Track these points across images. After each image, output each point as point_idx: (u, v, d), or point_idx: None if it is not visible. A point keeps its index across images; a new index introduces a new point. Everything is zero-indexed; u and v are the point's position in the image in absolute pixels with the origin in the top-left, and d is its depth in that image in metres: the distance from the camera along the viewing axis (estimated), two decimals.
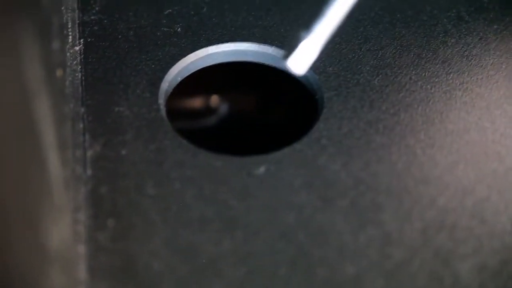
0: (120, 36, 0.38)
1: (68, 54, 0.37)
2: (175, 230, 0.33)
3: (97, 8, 0.39)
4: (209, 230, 0.33)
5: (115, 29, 0.39)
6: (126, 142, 0.35)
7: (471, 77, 0.38)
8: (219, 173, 0.35)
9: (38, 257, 0.32)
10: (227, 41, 0.39)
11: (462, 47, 0.39)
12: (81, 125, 0.35)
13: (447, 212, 0.34)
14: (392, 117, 0.36)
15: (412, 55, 0.38)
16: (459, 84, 0.38)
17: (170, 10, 0.39)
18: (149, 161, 0.35)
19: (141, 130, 0.35)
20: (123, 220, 0.33)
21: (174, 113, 0.39)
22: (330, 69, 0.38)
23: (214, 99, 0.44)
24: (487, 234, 0.34)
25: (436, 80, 0.38)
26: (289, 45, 0.34)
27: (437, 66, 0.38)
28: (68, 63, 0.37)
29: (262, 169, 0.35)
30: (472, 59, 0.38)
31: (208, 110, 0.44)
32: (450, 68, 0.38)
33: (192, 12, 0.40)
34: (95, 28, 0.38)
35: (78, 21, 0.38)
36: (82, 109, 0.36)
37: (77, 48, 0.38)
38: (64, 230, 0.33)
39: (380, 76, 0.38)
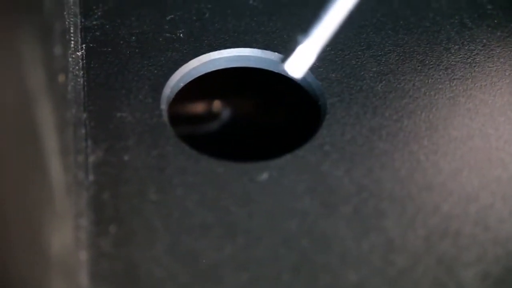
0: (122, 42, 0.38)
1: (70, 59, 0.37)
2: (177, 236, 0.33)
3: (99, 14, 0.39)
4: (211, 236, 0.33)
5: (117, 34, 0.38)
6: (128, 148, 0.35)
7: (474, 84, 0.38)
8: (221, 179, 0.34)
9: (40, 263, 0.32)
10: (229, 47, 0.39)
11: (466, 53, 0.39)
12: (83, 131, 0.35)
13: (450, 219, 0.34)
14: (395, 124, 0.36)
15: (415, 61, 0.38)
16: (463, 91, 0.38)
17: (173, 16, 0.39)
18: (151, 167, 0.34)
19: (143, 135, 0.35)
20: (125, 226, 0.33)
21: (176, 118, 0.39)
22: (333, 75, 0.38)
23: (217, 105, 0.44)
24: (491, 241, 0.33)
25: (440, 86, 0.38)
26: (286, 49, 0.34)
27: (440, 73, 0.38)
28: (70, 69, 0.37)
29: (264, 175, 0.35)
30: (475, 65, 0.38)
31: (210, 116, 0.44)
32: (453, 75, 0.38)
33: (195, 18, 0.39)
34: (97, 33, 0.38)
35: (80, 27, 0.38)
36: (84, 115, 0.36)
37: (79, 53, 0.38)
38: (66, 236, 0.32)
39: (383, 82, 0.38)
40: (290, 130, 0.44)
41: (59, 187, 0.35)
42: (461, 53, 0.39)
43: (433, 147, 0.36)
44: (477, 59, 0.39)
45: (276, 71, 0.38)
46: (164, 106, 0.36)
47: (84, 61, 0.37)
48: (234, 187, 0.34)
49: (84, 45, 0.38)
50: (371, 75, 0.38)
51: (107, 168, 0.34)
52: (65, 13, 0.38)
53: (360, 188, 0.34)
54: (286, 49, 0.38)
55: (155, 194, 0.34)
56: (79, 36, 0.38)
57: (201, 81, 0.38)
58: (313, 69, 0.38)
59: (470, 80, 0.38)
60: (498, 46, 0.39)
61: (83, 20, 0.39)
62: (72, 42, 0.38)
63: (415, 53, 0.39)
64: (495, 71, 0.38)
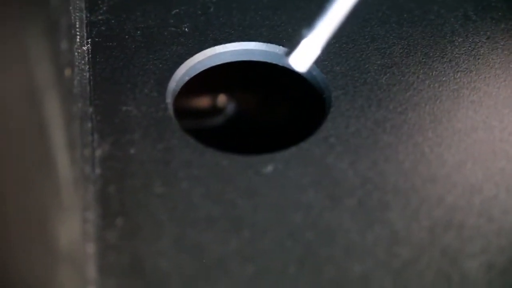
0: (127, 36, 0.38)
1: (76, 54, 0.37)
2: (183, 229, 0.33)
3: (104, 8, 0.39)
4: (216, 229, 0.33)
5: (122, 29, 0.39)
6: (134, 142, 0.35)
7: (478, 76, 0.38)
8: (227, 172, 0.35)
9: (48, 255, 0.33)
10: (234, 41, 0.39)
11: (470, 46, 0.39)
12: (90, 125, 0.35)
13: (454, 211, 0.34)
14: (399, 116, 0.36)
15: (419, 54, 0.38)
16: (467, 83, 0.38)
17: (178, 10, 0.40)
18: (157, 161, 0.35)
19: (149, 129, 0.36)
20: (131, 219, 0.33)
21: (182, 112, 0.39)
22: (338, 68, 0.38)
23: (222, 98, 0.45)
24: (495, 232, 0.34)
25: (444, 79, 0.38)
26: (291, 43, 0.34)
27: (444, 65, 0.38)
28: (76, 63, 0.37)
29: (269, 168, 0.35)
30: (479, 58, 0.39)
31: (215, 109, 0.44)
32: (457, 67, 0.38)
33: (199, 12, 0.40)
34: (103, 28, 0.39)
35: (85, 21, 0.39)
36: (90, 109, 0.36)
37: (85, 48, 0.38)
38: (73, 229, 0.33)
39: (388, 75, 0.38)
40: (295, 123, 0.44)
41: (67, 180, 0.35)
42: (465, 45, 0.39)
43: (437, 139, 0.36)
44: (481, 51, 0.39)
45: (280, 65, 0.39)
46: (169, 100, 0.37)
47: (90, 55, 0.38)
48: (239, 180, 0.34)
49: (89, 40, 0.38)
50: (375, 68, 0.38)
51: (113, 162, 0.35)
52: (70, 8, 0.39)
53: (365, 180, 0.35)
54: (291, 42, 0.38)
55: (161, 188, 0.34)
56: (85, 30, 0.38)
57: (206, 75, 0.39)
58: (318, 62, 0.38)
59: (474, 72, 0.38)
60: (502, 38, 0.39)
61: (88, 14, 0.39)
62: (78, 36, 0.38)
63: (419, 45, 0.39)
64: (499, 63, 0.38)
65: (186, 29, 0.39)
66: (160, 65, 0.38)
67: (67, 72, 0.36)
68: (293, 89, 0.42)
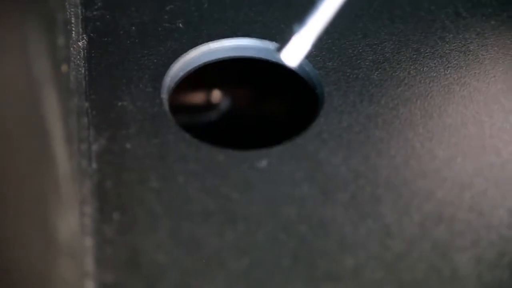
0: (122, 32, 0.39)
1: (72, 49, 0.38)
2: (179, 222, 0.33)
3: (99, 4, 0.40)
4: (211, 222, 0.34)
5: (117, 24, 0.39)
6: (130, 136, 0.35)
7: (468, 72, 0.38)
8: (222, 166, 0.35)
9: (46, 248, 0.33)
10: (228, 37, 0.39)
11: (460, 42, 0.39)
12: (86, 120, 0.36)
13: (445, 205, 0.34)
14: (391, 111, 0.37)
15: (410, 50, 0.39)
16: (457, 79, 0.38)
17: (172, 6, 0.40)
18: (152, 155, 0.35)
19: (144, 124, 0.36)
20: (128, 213, 0.33)
21: (177, 107, 0.39)
22: (330, 64, 0.38)
23: (216, 94, 0.45)
24: (485, 226, 0.34)
25: (434, 75, 0.38)
26: (282, 38, 0.34)
27: (435, 61, 0.39)
28: (72, 58, 0.37)
29: (264, 163, 0.35)
30: (469, 54, 0.39)
31: (210, 105, 0.45)
32: (448, 63, 0.39)
33: (193, 8, 0.40)
34: (98, 23, 0.39)
35: (81, 17, 0.39)
36: (86, 104, 0.36)
37: (80, 43, 0.38)
38: (71, 223, 0.33)
39: (379, 71, 0.38)
40: (289, 118, 0.44)
41: (65, 174, 0.35)
42: (455, 41, 0.39)
43: (428, 135, 0.36)
44: (471, 47, 0.39)
45: (274, 61, 0.39)
46: (164, 95, 0.37)
47: (86, 51, 0.38)
48: (234, 175, 0.35)
49: (85, 35, 0.38)
50: (367, 63, 0.38)
51: (110, 156, 0.35)
52: (66, 3, 0.39)
53: (357, 175, 0.35)
54: (284, 38, 0.39)
55: (156, 182, 0.34)
56: (80, 26, 0.39)
57: (201, 70, 0.39)
58: (311, 58, 0.38)
59: (464, 68, 0.38)
60: (492, 34, 0.40)
61: (83, 10, 0.39)
62: (74, 32, 0.38)
63: (411, 42, 0.39)
64: (488, 59, 0.39)
65: (180, 25, 0.39)
66: (155, 61, 0.38)
67: (64, 67, 0.37)
68: (286, 85, 0.43)
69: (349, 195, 0.35)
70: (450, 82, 0.38)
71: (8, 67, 0.37)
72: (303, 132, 0.36)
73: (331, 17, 0.33)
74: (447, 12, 0.40)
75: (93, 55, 0.38)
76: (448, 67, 0.38)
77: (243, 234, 0.33)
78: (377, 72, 0.38)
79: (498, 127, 0.37)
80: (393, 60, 0.39)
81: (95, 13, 0.39)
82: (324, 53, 0.38)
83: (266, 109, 0.45)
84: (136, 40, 0.39)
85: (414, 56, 0.39)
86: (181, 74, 0.38)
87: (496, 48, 0.39)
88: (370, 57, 0.39)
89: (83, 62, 0.37)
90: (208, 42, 0.39)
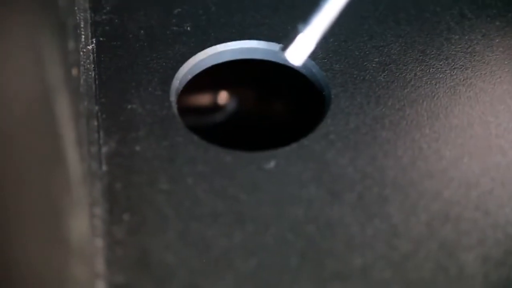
0: (131, 36, 0.39)
1: (81, 53, 0.38)
2: (188, 224, 0.34)
3: (108, 8, 0.40)
4: (220, 223, 0.34)
5: (126, 28, 0.39)
6: (139, 139, 0.36)
7: (474, 73, 0.39)
8: (230, 168, 0.35)
9: (58, 249, 0.33)
10: (235, 39, 0.39)
11: (465, 43, 0.40)
12: (96, 123, 0.36)
13: (451, 205, 0.35)
14: (397, 113, 0.37)
15: (416, 51, 0.39)
16: (463, 80, 0.38)
17: (180, 10, 0.40)
18: (161, 157, 0.35)
19: (153, 127, 0.36)
20: (138, 215, 0.34)
21: (185, 110, 0.40)
22: (337, 66, 0.38)
23: (224, 96, 0.45)
24: (491, 225, 0.34)
25: (441, 76, 0.38)
26: (287, 38, 0.34)
27: (441, 62, 0.39)
28: (82, 62, 0.38)
29: (271, 164, 0.35)
30: (475, 55, 0.39)
31: (218, 107, 0.45)
32: (454, 64, 0.39)
33: (201, 12, 0.40)
34: (107, 27, 0.39)
35: (90, 21, 0.39)
36: (96, 107, 0.36)
37: (89, 47, 0.38)
38: (82, 224, 0.33)
39: (386, 72, 0.38)
40: (296, 120, 0.44)
41: (75, 177, 0.36)
42: (461, 43, 0.40)
43: (434, 135, 0.37)
44: (477, 48, 0.39)
45: (281, 63, 0.39)
46: (173, 97, 0.37)
47: (95, 54, 0.38)
48: (243, 176, 0.35)
49: (94, 39, 0.39)
50: (373, 65, 0.39)
51: (120, 159, 0.35)
52: (76, 8, 0.39)
53: (364, 175, 0.35)
54: (288, 38, 0.39)
55: (166, 184, 0.35)
56: (89, 30, 0.39)
57: (209, 73, 0.39)
58: (318, 60, 0.38)
59: (470, 69, 0.39)
60: (497, 35, 0.40)
61: (92, 14, 0.39)
62: (83, 36, 0.39)
63: (416, 43, 0.39)
64: (494, 60, 0.39)
65: (188, 28, 0.40)
66: (164, 64, 0.38)
67: (75, 71, 0.37)
68: (293, 86, 0.43)
69: (356, 196, 0.35)
70: (456, 83, 0.38)
71: (22, 72, 0.38)
72: (310, 134, 0.36)
73: (335, 16, 0.33)
74: (452, 14, 0.40)
75: (102, 59, 0.38)
76: (454, 68, 0.39)
77: (251, 235, 0.34)
78: (383, 74, 0.38)
79: (504, 128, 0.37)
80: (399, 61, 0.39)
81: (104, 17, 0.39)
82: (330, 55, 0.39)
83: (273, 110, 0.45)
84: (145, 44, 0.39)
85: (420, 57, 0.39)
86: (189, 77, 0.39)
87: (501, 49, 0.39)
88: (377, 59, 0.39)
89: (92, 66, 0.38)
90: (216, 45, 0.39)
